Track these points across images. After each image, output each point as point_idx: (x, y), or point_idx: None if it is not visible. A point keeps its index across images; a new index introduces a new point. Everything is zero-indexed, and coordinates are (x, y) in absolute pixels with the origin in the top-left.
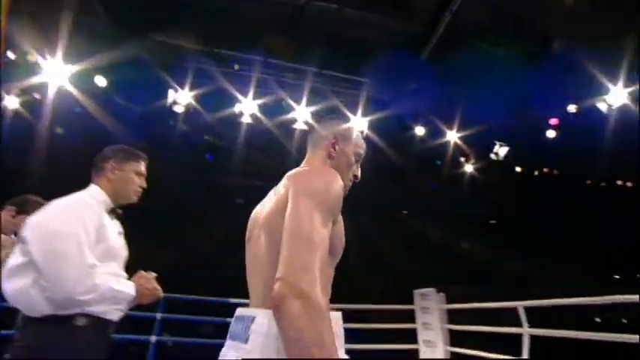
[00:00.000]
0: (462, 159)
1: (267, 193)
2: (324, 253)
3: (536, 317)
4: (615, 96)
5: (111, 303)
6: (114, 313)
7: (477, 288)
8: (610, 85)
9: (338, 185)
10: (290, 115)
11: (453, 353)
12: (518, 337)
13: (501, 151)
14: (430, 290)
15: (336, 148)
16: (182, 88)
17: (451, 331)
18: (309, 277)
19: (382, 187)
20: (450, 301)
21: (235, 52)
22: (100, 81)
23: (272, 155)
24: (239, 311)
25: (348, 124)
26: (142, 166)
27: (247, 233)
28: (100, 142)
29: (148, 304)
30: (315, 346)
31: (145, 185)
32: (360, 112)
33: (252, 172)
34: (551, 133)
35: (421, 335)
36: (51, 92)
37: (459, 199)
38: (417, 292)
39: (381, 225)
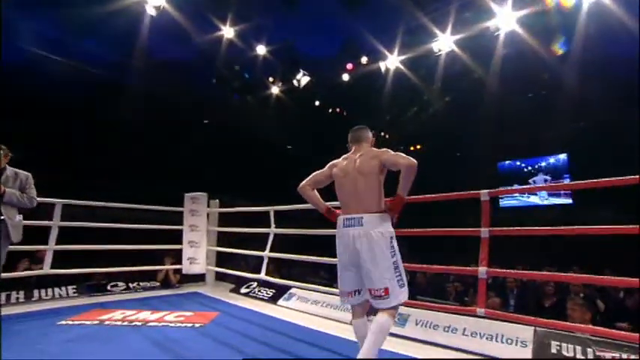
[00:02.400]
0: (271, 79)
1: None
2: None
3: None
4: (392, 61)
5: None
6: None
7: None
8: (387, 53)
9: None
10: None
11: (218, 252)
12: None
13: (303, 80)
14: (201, 194)
15: (373, 140)
16: None
17: (224, 234)
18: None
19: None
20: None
21: None
22: None
23: None
24: (348, 215)
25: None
26: None
27: (340, 173)
28: None
29: None
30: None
31: None
32: None
33: None
34: (345, 77)
35: (187, 236)
36: None
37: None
38: (187, 196)
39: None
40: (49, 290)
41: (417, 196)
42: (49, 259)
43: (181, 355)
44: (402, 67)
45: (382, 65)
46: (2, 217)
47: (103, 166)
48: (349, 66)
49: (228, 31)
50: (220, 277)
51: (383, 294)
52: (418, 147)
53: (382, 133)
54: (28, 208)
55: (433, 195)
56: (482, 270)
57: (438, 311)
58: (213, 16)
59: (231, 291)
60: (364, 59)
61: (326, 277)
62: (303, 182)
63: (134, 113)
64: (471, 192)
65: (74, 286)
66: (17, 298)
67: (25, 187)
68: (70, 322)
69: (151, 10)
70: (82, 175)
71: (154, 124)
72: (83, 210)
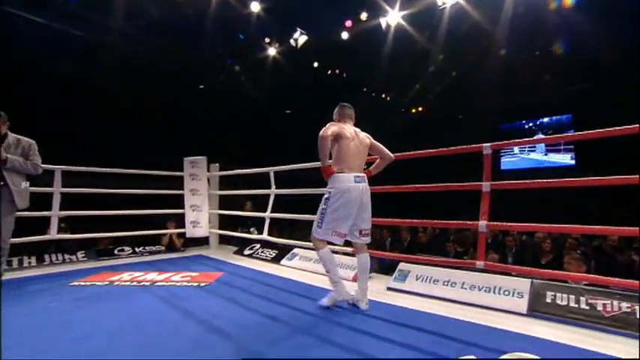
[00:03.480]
0: (267, 40)
1: None
2: None
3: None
4: (393, 17)
5: None
6: None
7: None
8: (388, 8)
9: None
10: None
11: (221, 215)
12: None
13: (301, 39)
14: (200, 158)
15: (355, 120)
16: None
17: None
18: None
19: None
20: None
21: None
22: None
23: None
24: (356, 173)
25: None
26: None
27: (351, 137)
28: None
29: None
30: None
31: None
32: None
33: None
34: (345, 35)
35: (188, 200)
36: None
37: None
38: (187, 160)
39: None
40: (59, 255)
41: (421, 152)
42: (54, 225)
43: (188, 311)
44: (404, 23)
45: (383, 21)
46: (2, 183)
47: (98, 136)
48: (348, 23)
49: None
50: (225, 241)
51: (369, 232)
52: (420, 109)
53: (383, 95)
54: (33, 174)
55: (436, 150)
56: (482, 224)
57: (438, 266)
58: None
59: (235, 253)
60: (364, 15)
61: None
62: (328, 132)
63: (125, 78)
64: (473, 145)
65: (83, 252)
66: (29, 263)
67: (29, 154)
68: (82, 283)
69: None
70: (78, 146)
71: (148, 90)
72: (89, 179)
